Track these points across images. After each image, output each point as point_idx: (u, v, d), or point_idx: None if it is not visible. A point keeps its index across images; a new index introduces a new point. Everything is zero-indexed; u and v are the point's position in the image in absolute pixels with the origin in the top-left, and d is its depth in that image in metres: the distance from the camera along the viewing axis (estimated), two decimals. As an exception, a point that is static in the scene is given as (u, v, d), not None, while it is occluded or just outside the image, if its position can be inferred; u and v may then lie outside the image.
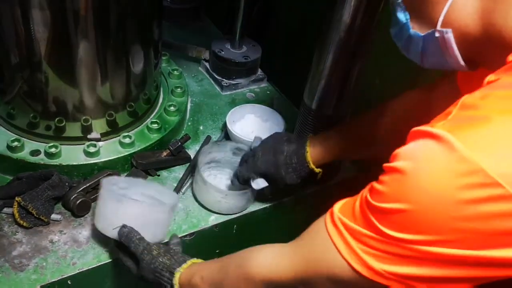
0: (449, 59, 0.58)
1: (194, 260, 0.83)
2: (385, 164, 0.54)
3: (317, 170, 0.98)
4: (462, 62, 0.58)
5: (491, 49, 0.55)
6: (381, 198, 0.53)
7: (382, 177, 0.54)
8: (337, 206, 0.61)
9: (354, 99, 1.05)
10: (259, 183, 0.99)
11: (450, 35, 0.56)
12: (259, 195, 1.08)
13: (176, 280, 0.79)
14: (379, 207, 0.53)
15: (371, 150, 0.97)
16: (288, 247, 0.69)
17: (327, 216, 0.61)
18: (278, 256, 0.69)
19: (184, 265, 0.81)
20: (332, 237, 0.59)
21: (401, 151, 0.53)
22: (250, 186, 1.00)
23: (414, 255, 0.52)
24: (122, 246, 0.86)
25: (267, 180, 0.99)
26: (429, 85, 0.89)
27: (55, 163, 1.01)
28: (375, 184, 0.55)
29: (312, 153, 0.96)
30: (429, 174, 0.48)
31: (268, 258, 0.70)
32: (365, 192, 0.57)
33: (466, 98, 0.51)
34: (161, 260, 0.82)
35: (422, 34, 0.59)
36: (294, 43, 1.73)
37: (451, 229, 0.48)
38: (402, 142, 0.55)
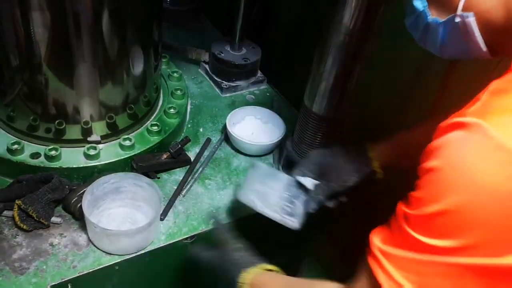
0: (471, 46, 0.55)
1: (265, 265, 0.83)
2: (419, 167, 0.51)
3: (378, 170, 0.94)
4: (484, 48, 0.54)
5: None
6: (419, 204, 0.49)
7: (418, 182, 0.50)
8: (376, 237, 0.58)
9: (354, 101, 1.05)
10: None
11: (472, 19, 0.52)
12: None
13: (243, 279, 0.80)
14: (419, 215, 0.49)
15: None
16: None
17: (368, 249, 0.58)
18: None
19: (254, 268, 0.81)
20: (376, 274, 0.55)
21: (432, 148, 0.49)
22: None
23: (457, 271, 0.48)
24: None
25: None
26: None
27: (55, 166, 1.01)
28: (411, 193, 0.52)
29: (375, 151, 0.94)
30: (468, 166, 0.44)
31: None
32: (400, 207, 0.53)
33: (495, 83, 0.48)
34: (236, 254, 0.85)
35: (442, 20, 0.55)
36: (293, 44, 1.73)
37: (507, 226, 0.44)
38: None
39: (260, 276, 0.80)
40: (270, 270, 0.83)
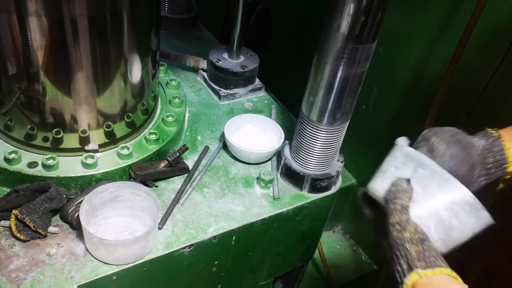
0: None
1: (444, 270, 0.64)
2: None
3: None
4: None
5: None
6: None
7: None
8: None
9: (352, 109, 1.05)
10: None
11: None
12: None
13: (409, 280, 0.64)
14: None
15: None
16: None
17: None
18: None
19: (430, 271, 0.64)
20: None
21: None
22: None
23: None
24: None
25: None
26: None
27: (53, 175, 1.01)
28: None
29: None
30: None
31: None
32: None
33: None
34: (408, 247, 0.66)
35: None
36: (291, 52, 1.74)
37: None
38: None
39: (431, 280, 0.63)
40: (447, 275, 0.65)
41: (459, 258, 0.81)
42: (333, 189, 1.18)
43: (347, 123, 1.08)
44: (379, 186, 0.75)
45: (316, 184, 1.14)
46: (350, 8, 0.86)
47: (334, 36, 0.91)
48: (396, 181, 0.72)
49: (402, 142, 0.80)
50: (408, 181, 0.71)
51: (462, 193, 0.69)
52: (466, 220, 0.69)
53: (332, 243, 1.76)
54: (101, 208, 0.99)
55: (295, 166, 1.15)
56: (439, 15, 1.19)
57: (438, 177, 0.71)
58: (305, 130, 1.08)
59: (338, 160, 1.17)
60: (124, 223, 1.02)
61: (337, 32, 0.90)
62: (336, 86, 0.97)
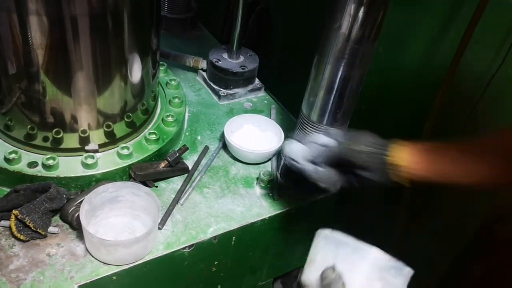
0: None
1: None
2: None
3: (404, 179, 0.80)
4: None
5: None
6: None
7: None
8: None
9: (353, 110, 1.05)
10: None
11: None
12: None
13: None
14: None
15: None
16: None
17: None
18: None
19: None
20: None
21: None
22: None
23: None
24: None
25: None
26: None
27: (53, 175, 1.00)
28: None
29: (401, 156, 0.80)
30: None
31: None
32: None
33: None
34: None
35: None
36: (291, 52, 1.74)
37: None
38: None
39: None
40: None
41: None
42: (332, 191, 1.18)
43: (347, 123, 1.08)
44: (311, 278, 0.78)
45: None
46: (351, 9, 0.86)
47: (334, 37, 0.91)
48: (324, 273, 0.75)
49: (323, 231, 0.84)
50: (333, 268, 0.75)
51: (385, 259, 0.74)
52: (396, 282, 0.74)
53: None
54: (101, 208, 0.99)
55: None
56: (439, 15, 1.19)
57: (360, 252, 0.76)
58: (306, 130, 1.08)
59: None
60: (124, 223, 1.01)
61: (337, 33, 0.90)
62: (336, 86, 0.97)
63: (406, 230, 1.43)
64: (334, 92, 0.98)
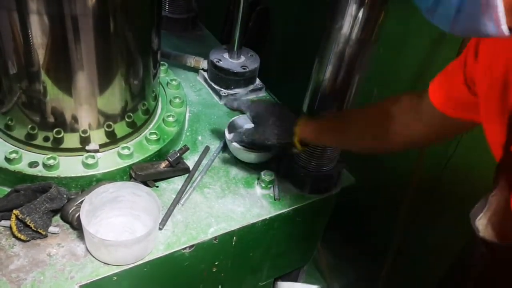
0: (488, 23, 0.50)
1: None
2: None
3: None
4: (503, 27, 0.50)
5: None
6: None
7: None
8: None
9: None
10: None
11: None
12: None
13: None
14: None
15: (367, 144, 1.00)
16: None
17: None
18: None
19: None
20: None
21: None
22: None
23: None
24: None
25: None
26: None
27: (53, 175, 1.00)
28: None
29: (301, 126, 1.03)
30: None
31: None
32: None
33: None
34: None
35: None
36: (292, 52, 1.74)
37: None
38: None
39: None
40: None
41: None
42: (334, 190, 1.18)
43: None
44: None
45: (317, 185, 1.14)
46: (352, 9, 0.86)
47: (335, 37, 0.91)
48: None
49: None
50: None
51: None
52: None
53: (332, 243, 1.76)
54: (101, 208, 0.99)
55: (296, 166, 1.15)
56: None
57: None
58: (306, 131, 1.08)
59: (339, 161, 1.17)
60: (125, 223, 1.01)
61: (338, 33, 0.90)
62: (337, 87, 0.97)
63: (407, 230, 1.43)
64: (335, 92, 0.98)
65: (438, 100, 0.82)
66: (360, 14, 0.86)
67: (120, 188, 0.98)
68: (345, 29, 0.89)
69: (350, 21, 0.88)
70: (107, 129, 1.08)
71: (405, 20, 1.27)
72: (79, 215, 0.92)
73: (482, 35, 0.53)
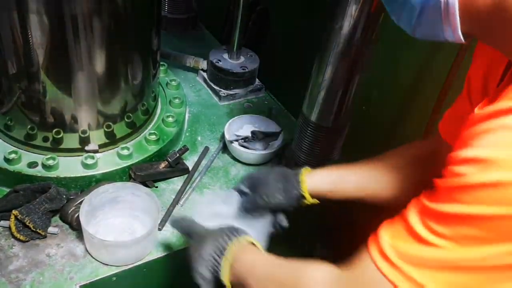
0: (447, 29, 0.54)
1: (243, 238, 0.78)
2: (456, 156, 0.50)
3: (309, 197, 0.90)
4: (459, 33, 0.54)
5: (500, 25, 0.51)
6: (462, 191, 0.49)
7: (456, 168, 0.50)
8: (385, 233, 0.58)
9: (353, 111, 1.05)
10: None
11: (455, 0, 0.52)
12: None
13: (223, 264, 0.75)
14: (453, 187, 0.50)
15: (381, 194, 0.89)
16: (344, 274, 0.64)
17: (373, 247, 0.58)
18: (334, 282, 0.64)
19: (232, 245, 0.76)
20: (386, 274, 0.56)
21: (473, 138, 0.49)
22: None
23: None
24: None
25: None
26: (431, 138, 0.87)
27: (53, 175, 1.00)
28: (441, 182, 0.51)
29: (308, 177, 0.91)
30: None
31: (325, 279, 0.65)
32: (420, 203, 0.54)
33: None
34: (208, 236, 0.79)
35: None
36: (291, 52, 1.73)
37: None
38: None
39: (241, 255, 0.75)
40: (250, 243, 0.78)
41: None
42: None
43: (349, 124, 1.08)
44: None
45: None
46: (352, 10, 0.86)
47: (336, 38, 0.91)
48: None
49: None
50: None
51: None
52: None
53: (331, 244, 1.76)
54: (101, 209, 0.99)
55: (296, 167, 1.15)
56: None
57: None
58: (306, 131, 1.08)
59: (338, 160, 1.17)
60: (124, 224, 1.01)
61: (339, 34, 0.90)
62: (337, 87, 0.97)
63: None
64: (335, 93, 0.98)
65: (444, 129, 0.81)
66: (361, 14, 0.86)
67: (119, 188, 0.98)
68: (345, 29, 0.89)
69: (350, 22, 0.88)
70: (106, 129, 1.08)
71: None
72: (78, 216, 0.92)
73: (441, 39, 0.56)
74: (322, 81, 0.98)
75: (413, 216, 0.56)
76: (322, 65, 0.97)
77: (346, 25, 0.89)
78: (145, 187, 1.00)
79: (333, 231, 1.26)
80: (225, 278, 0.75)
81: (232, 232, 0.79)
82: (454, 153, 0.52)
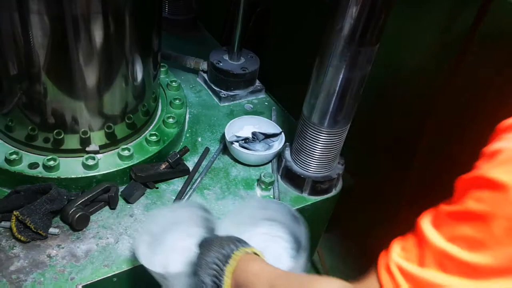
0: None
1: (245, 249, 0.75)
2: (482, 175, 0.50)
3: None
4: None
5: None
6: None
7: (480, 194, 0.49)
8: (394, 250, 0.57)
9: (354, 112, 1.06)
10: None
11: None
12: None
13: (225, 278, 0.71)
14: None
15: None
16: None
17: (382, 263, 0.58)
18: None
19: (234, 256, 0.73)
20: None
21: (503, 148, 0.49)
22: None
23: None
24: None
25: None
26: None
27: (54, 176, 1.00)
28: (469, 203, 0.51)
29: None
30: None
31: None
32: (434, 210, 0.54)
33: None
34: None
35: None
36: (292, 53, 1.73)
37: None
38: None
39: (246, 264, 0.72)
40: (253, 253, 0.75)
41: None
42: (334, 192, 1.19)
43: (349, 125, 1.08)
44: None
45: (317, 187, 1.14)
46: (352, 11, 0.86)
47: (336, 39, 0.91)
48: None
49: None
50: None
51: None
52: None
53: (332, 244, 1.76)
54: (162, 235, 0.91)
55: (296, 168, 1.15)
56: (441, 18, 1.19)
57: None
58: (306, 133, 1.08)
59: (339, 163, 1.17)
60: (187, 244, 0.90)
61: (339, 35, 0.90)
62: (337, 88, 0.97)
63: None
64: (335, 94, 0.98)
65: None
66: (361, 16, 0.86)
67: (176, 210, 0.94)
68: (346, 30, 0.89)
69: (351, 23, 0.88)
70: (107, 130, 1.08)
71: (406, 22, 1.27)
72: (79, 216, 0.93)
73: None
74: (322, 82, 0.98)
75: (426, 223, 0.55)
76: (323, 67, 0.97)
77: (347, 26, 0.89)
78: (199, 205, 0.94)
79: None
80: (227, 286, 0.73)
81: (240, 241, 0.77)
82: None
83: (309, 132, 1.07)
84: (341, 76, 0.95)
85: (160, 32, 1.13)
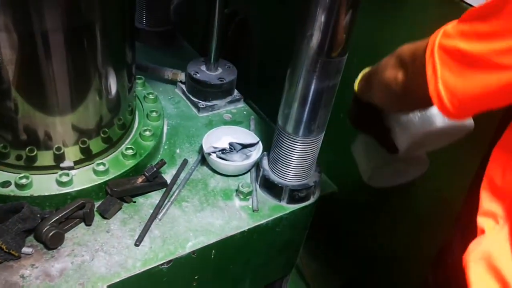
0: None
1: None
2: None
3: None
4: None
5: None
6: None
7: None
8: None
9: (327, 121, 1.06)
10: None
11: None
12: None
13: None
14: None
15: None
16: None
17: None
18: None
19: None
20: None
21: None
22: None
23: None
24: None
25: None
26: None
27: (26, 194, 0.99)
28: None
29: None
30: None
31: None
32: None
33: None
34: None
35: None
36: (271, 62, 1.74)
37: None
38: None
39: None
40: None
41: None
42: (312, 199, 1.19)
43: (323, 134, 1.08)
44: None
45: (295, 195, 1.14)
46: (320, 23, 0.87)
47: (305, 50, 0.92)
48: None
49: None
50: None
51: None
52: None
53: (315, 251, 1.75)
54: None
55: (274, 177, 1.15)
56: (411, 23, 1.21)
57: None
58: (282, 142, 1.08)
59: (315, 170, 1.18)
60: None
61: (308, 46, 0.91)
62: (310, 98, 0.98)
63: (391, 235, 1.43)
64: (308, 104, 0.98)
65: None
66: (327, 27, 0.87)
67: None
68: (314, 42, 0.89)
69: (319, 35, 0.88)
70: (81, 145, 1.07)
71: (377, 29, 1.28)
72: (53, 234, 0.91)
73: None
74: (295, 92, 0.99)
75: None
76: (294, 77, 0.97)
77: (315, 38, 0.89)
78: None
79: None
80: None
81: None
82: None
83: (284, 141, 1.07)
84: (312, 87, 0.96)
85: (133, 44, 1.13)
